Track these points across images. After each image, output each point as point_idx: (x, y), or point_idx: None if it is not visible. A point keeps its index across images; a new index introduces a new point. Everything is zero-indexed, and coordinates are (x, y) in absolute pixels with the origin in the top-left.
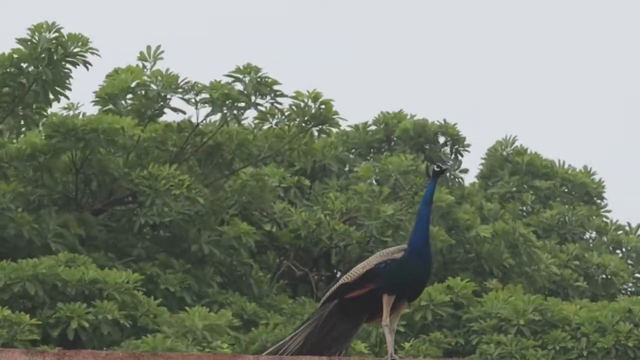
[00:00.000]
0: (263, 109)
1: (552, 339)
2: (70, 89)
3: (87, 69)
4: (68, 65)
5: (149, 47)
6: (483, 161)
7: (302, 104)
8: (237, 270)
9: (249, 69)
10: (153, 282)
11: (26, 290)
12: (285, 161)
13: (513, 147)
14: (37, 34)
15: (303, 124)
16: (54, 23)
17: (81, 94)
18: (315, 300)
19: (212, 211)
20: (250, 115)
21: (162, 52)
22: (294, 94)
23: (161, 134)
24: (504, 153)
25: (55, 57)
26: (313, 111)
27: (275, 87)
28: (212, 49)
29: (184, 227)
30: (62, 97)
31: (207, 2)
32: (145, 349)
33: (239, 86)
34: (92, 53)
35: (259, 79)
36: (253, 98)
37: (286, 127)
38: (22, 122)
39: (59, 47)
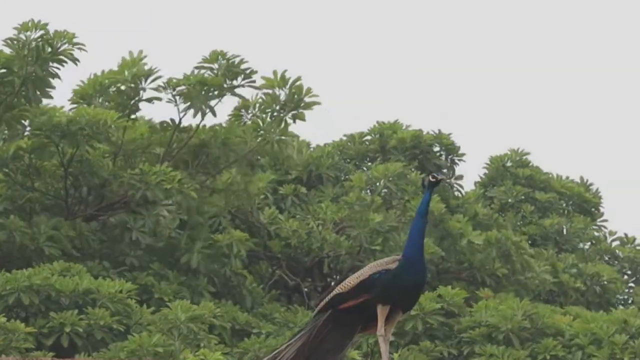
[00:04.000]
0: (239, 91)
1: (543, 348)
2: (53, 87)
3: (76, 64)
4: (55, 64)
5: (131, 52)
6: (485, 170)
7: (272, 91)
8: (231, 281)
9: (216, 55)
10: (147, 292)
11: (21, 300)
12: (282, 170)
13: (519, 159)
14: (23, 32)
15: (275, 113)
16: (39, 21)
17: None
18: (307, 309)
19: (202, 209)
20: (227, 109)
21: (145, 56)
22: (264, 83)
23: (147, 137)
24: (507, 164)
25: (42, 55)
26: (284, 97)
27: (244, 67)
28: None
29: (177, 237)
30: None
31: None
32: (132, 348)
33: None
34: (79, 49)
35: (229, 62)
36: (227, 83)
37: (259, 120)
38: (8, 126)
39: (46, 45)
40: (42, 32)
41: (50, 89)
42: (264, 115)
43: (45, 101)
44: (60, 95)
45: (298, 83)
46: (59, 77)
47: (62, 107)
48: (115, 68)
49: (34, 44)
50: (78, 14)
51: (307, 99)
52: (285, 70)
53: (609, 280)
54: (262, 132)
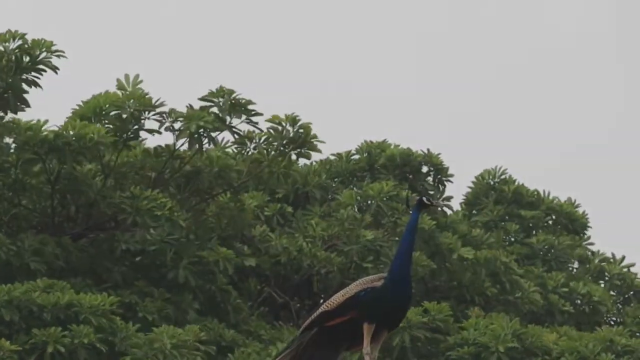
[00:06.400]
0: (239, 131)
1: None
2: (27, 100)
3: (56, 73)
4: (34, 73)
5: (127, 76)
6: (469, 189)
7: (280, 128)
8: (216, 297)
9: (222, 92)
10: (131, 310)
11: (1, 316)
12: (267, 189)
13: (501, 177)
14: (2, 44)
15: (281, 148)
16: (16, 31)
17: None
18: (296, 327)
19: (195, 237)
20: (228, 139)
21: (140, 81)
22: (271, 118)
23: (140, 160)
24: (491, 182)
25: (22, 65)
26: (291, 135)
27: (250, 107)
28: (187, 73)
29: (163, 253)
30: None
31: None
32: None
33: (213, 109)
34: (59, 56)
35: (233, 101)
36: (228, 119)
37: (265, 151)
38: None
39: (24, 55)
40: (20, 42)
41: (27, 95)
42: (269, 149)
43: (31, 115)
44: (53, 110)
45: (306, 126)
46: (40, 86)
47: (46, 121)
48: (113, 90)
49: (12, 55)
50: (77, 33)
51: (312, 140)
52: (294, 114)
53: (599, 302)
54: (265, 164)
